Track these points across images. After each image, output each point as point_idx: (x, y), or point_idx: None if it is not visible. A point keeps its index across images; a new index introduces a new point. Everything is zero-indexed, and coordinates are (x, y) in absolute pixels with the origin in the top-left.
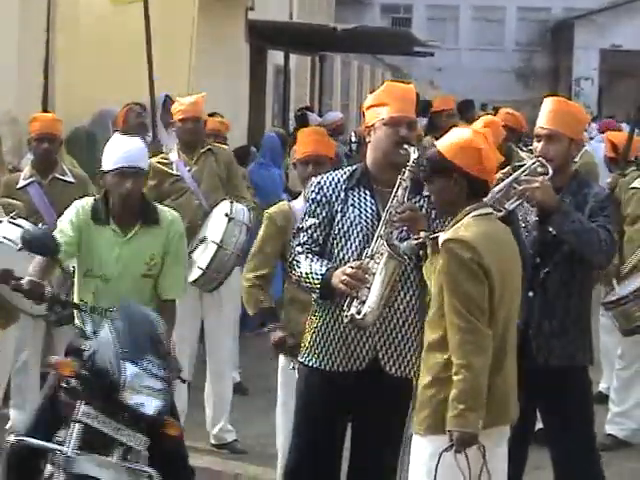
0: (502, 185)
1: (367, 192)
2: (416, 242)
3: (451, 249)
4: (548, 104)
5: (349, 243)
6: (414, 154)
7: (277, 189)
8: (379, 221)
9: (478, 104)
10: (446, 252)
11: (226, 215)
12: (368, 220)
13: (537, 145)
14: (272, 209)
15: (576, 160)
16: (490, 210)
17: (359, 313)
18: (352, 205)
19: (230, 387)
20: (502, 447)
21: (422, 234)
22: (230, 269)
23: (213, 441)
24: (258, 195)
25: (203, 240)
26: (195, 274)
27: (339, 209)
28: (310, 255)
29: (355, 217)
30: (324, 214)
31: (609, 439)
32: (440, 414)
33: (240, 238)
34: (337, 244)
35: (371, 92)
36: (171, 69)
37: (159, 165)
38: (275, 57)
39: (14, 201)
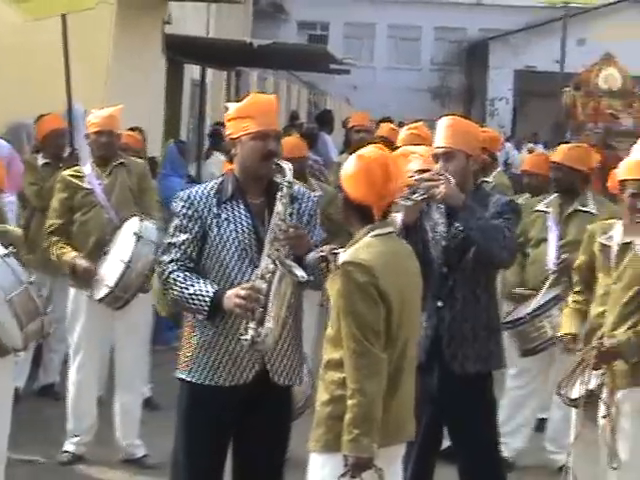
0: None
1: (241, 205)
2: (319, 255)
3: (348, 272)
4: (442, 123)
5: (227, 257)
6: (289, 170)
7: None
8: (256, 234)
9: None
10: (343, 275)
11: (135, 234)
12: (244, 234)
13: (437, 166)
14: None
15: (489, 180)
16: (391, 229)
17: (258, 336)
18: (227, 219)
19: (139, 402)
20: (396, 465)
21: (325, 247)
22: (138, 288)
23: (123, 456)
24: (163, 205)
25: (106, 253)
26: (103, 292)
27: (213, 224)
28: (188, 273)
29: (231, 231)
30: (196, 229)
31: None
32: (336, 432)
33: (149, 257)
34: (213, 259)
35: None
36: (87, 82)
37: (70, 178)
38: (191, 71)
39: (12, 228)
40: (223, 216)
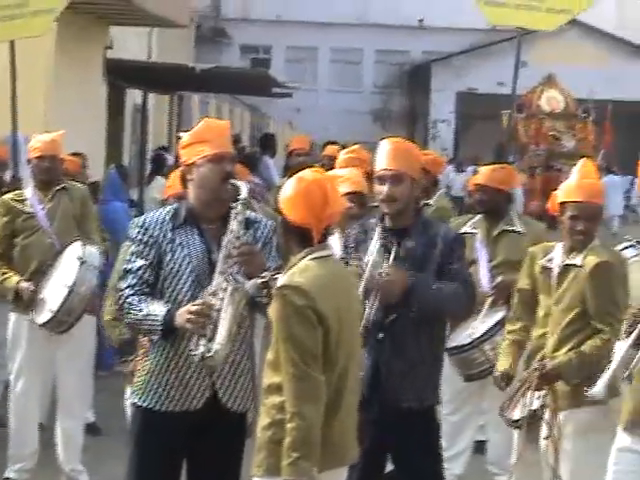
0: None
1: (195, 230)
2: (260, 281)
3: (285, 296)
4: (388, 145)
5: (180, 283)
6: (245, 188)
7: (123, 222)
8: (209, 259)
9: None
10: (280, 299)
11: (79, 258)
12: (198, 259)
13: (380, 188)
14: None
15: (431, 203)
16: (329, 252)
17: (209, 351)
18: (180, 244)
19: (81, 427)
20: None
21: (266, 273)
22: (81, 313)
23: None
24: (106, 230)
25: (48, 277)
26: (45, 317)
27: (167, 249)
28: (143, 297)
29: (185, 256)
30: (152, 255)
31: None
32: (277, 456)
33: (92, 282)
34: (168, 284)
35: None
36: (28, 107)
37: (12, 202)
38: (133, 96)
39: None
40: (177, 241)
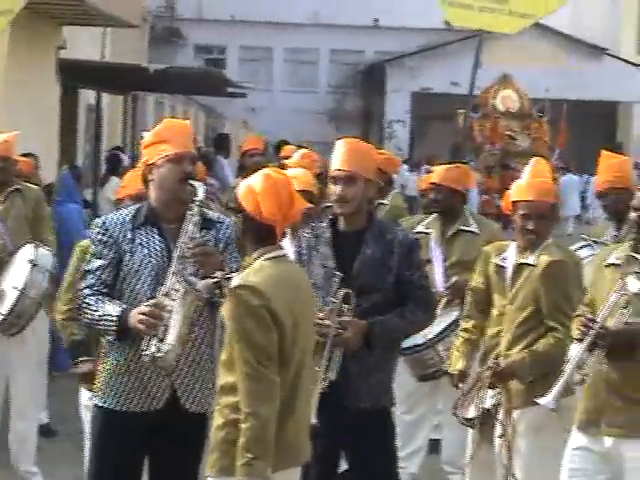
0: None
1: (155, 230)
2: (213, 281)
3: (239, 295)
4: (343, 146)
5: (140, 282)
6: (201, 190)
7: (77, 224)
8: (169, 259)
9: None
10: (234, 298)
11: (30, 261)
12: (158, 258)
13: (334, 187)
14: (85, 242)
15: (386, 202)
16: (283, 252)
17: (159, 351)
18: (140, 244)
19: (35, 428)
20: None
21: (219, 273)
22: (32, 315)
23: None
24: (60, 231)
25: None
26: None
27: (127, 249)
28: (100, 297)
29: (144, 256)
30: (111, 255)
31: None
32: (231, 456)
33: (42, 284)
34: (127, 284)
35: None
36: None
37: None
38: (87, 96)
39: None
40: (137, 241)
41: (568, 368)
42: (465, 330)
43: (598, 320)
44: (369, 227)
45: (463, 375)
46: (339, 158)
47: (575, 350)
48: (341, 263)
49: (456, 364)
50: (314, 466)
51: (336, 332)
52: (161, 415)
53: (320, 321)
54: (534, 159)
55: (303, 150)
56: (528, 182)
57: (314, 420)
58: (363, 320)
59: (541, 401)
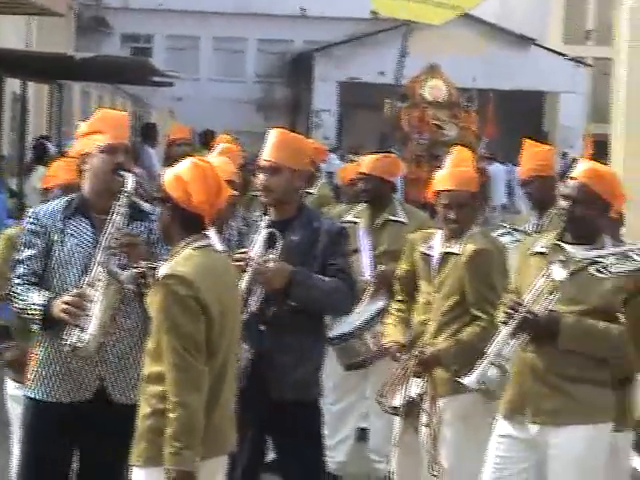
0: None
1: (86, 220)
2: (137, 271)
3: (167, 285)
4: (271, 136)
5: (68, 272)
6: (131, 181)
7: (1, 213)
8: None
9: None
10: (162, 288)
11: None
12: (88, 249)
13: (260, 177)
14: (11, 231)
15: (313, 191)
16: (210, 242)
17: (81, 341)
18: (71, 234)
19: None
20: (220, 478)
21: (143, 263)
22: None
23: None
24: None
25: None
26: None
27: (57, 239)
28: (29, 287)
29: (74, 246)
30: (41, 244)
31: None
32: (158, 446)
33: None
34: (56, 274)
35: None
36: None
37: None
38: (12, 85)
39: None
40: (67, 231)
41: (492, 350)
42: (398, 310)
43: (524, 304)
44: (297, 216)
45: (402, 345)
46: (267, 148)
47: (500, 334)
48: (271, 252)
49: (392, 336)
50: (241, 455)
51: (258, 267)
52: (90, 406)
53: (243, 255)
54: (456, 148)
55: (224, 144)
56: (449, 171)
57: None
58: (287, 308)
59: (464, 381)
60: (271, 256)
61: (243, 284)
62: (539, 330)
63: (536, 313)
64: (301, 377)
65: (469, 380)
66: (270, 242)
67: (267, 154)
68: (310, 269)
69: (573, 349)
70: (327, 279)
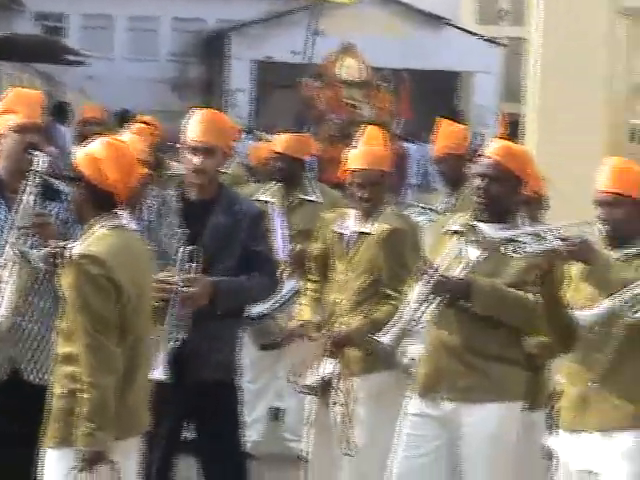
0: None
1: (0, 201)
2: (48, 251)
3: (80, 264)
4: (199, 117)
5: None
6: (42, 160)
7: None
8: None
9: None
10: (75, 267)
11: None
12: (2, 229)
13: (192, 157)
14: None
15: (227, 171)
16: (124, 222)
17: None
18: None
19: None
20: (134, 459)
21: (54, 243)
22: None
23: None
24: None
25: None
26: None
27: None
28: None
29: None
30: None
31: None
32: (71, 426)
33: None
34: None
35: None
36: None
37: None
38: None
39: None
40: None
41: (406, 312)
42: (311, 290)
43: (438, 268)
44: (217, 197)
45: (316, 325)
46: (198, 129)
47: (414, 295)
48: (190, 232)
49: (307, 316)
50: (158, 436)
51: (181, 289)
52: (5, 387)
53: (166, 278)
54: (368, 127)
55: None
56: (361, 150)
57: (164, 377)
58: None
59: (379, 338)
60: (192, 274)
61: (170, 310)
62: (452, 292)
63: (449, 276)
64: (219, 359)
65: (385, 338)
66: (190, 258)
67: (199, 135)
68: (233, 253)
69: (490, 313)
70: (246, 278)
